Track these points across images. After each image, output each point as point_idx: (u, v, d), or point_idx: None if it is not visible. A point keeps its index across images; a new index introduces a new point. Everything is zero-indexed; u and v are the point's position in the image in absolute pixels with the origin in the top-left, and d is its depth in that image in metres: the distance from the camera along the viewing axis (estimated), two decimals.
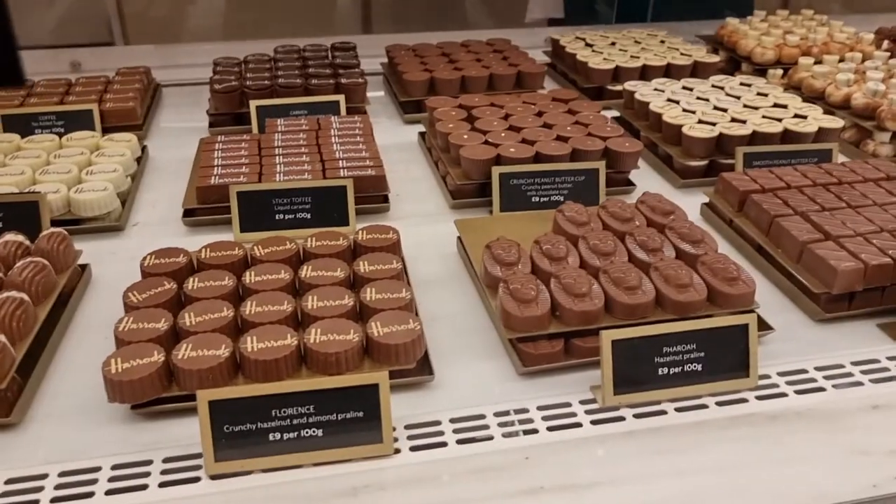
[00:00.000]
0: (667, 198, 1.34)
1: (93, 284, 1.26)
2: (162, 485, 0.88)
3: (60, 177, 1.42)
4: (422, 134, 1.80)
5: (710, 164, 1.61)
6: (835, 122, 1.64)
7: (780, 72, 2.06)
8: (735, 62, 2.25)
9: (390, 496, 0.87)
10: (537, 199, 1.45)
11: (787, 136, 1.61)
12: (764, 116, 1.65)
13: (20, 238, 1.18)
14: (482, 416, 0.98)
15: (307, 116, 1.72)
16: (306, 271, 1.13)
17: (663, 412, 0.99)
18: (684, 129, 1.59)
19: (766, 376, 1.06)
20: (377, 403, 0.90)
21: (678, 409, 1.00)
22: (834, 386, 1.04)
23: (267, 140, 1.58)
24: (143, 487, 0.87)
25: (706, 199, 1.49)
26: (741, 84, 1.85)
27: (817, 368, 1.08)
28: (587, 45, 2.20)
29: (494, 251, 1.17)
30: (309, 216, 1.37)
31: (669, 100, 1.76)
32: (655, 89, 1.83)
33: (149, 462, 0.91)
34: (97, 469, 0.90)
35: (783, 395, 1.03)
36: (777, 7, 2.46)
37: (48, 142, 1.58)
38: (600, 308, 1.07)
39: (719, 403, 1.01)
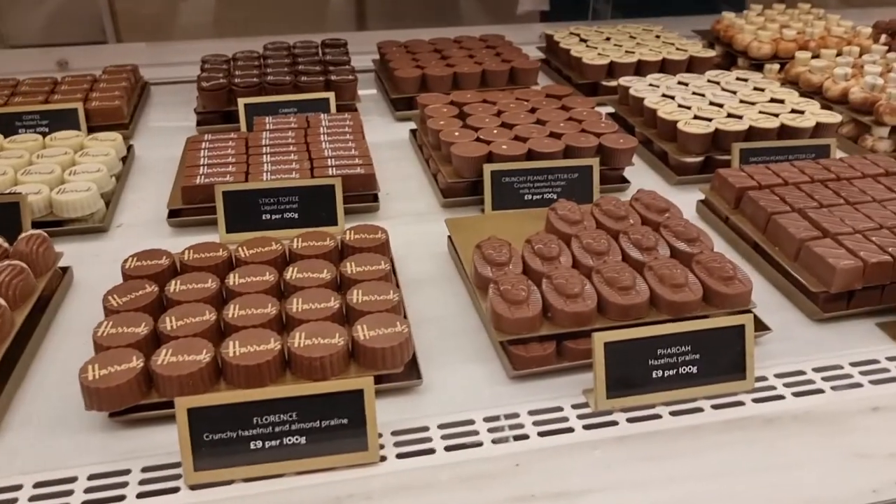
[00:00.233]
0: (662, 195, 1.31)
1: (74, 287, 1.23)
2: (140, 495, 0.85)
3: (43, 177, 1.39)
4: (413, 131, 1.78)
5: (706, 161, 1.58)
6: (832, 117, 1.61)
7: (776, 66, 2.04)
8: (731, 57, 2.22)
9: None
10: (530, 197, 1.42)
11: (784, 131, 1.58)
12: (760, 112, 1.62)
13: None
14: (471, 422, 0.96)
15: (296, 114, 1.70)
16: (292, 273, 1.10)
17: (657, 416, 0.97)
18: (679, 125, 1.56)
19: (763, 378, 1.03)
20: (362, 410, 0.87)
21: (673, 413, 0.97)
22: (832, 388, 1.02)
23: (254, 138, 1.55)
24: (121, 498, 0.85)
25: (702, 196, 1.46)
26: (737, 79, 1.82)
27: (815, 370, 1.05)
28: (581, 40, 2.17)
29: (485, 251, 1.15)
30: (297, 216, 1.34)
31: (665, 95, 1.73)
32: (650, 85, 1.80)
33: (127, 472, 0.88)
34: (73, 479, 0.87)
35: (780, 397, 1.00)
36: (774, 1, 2.42)
37: (31, 141, 1.55)
38: (593, 309, 1.04)
39: (715, 406, 0.98)
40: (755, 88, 1.76)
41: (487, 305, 1.06)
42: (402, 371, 0.99)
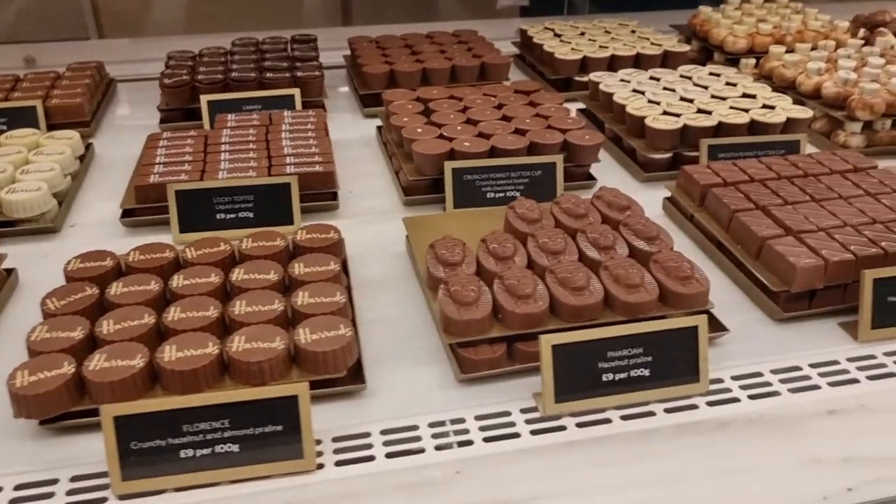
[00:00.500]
0: (628, 192, 1.28)
1: (19, 290, 1.20)
2: None
3: None
4: (380, 128, 1.75)
5: (675, 157, 1.55)
6: (804, 113, 1.58)
7: (752, 61, 2.01)
8: (708, 52, 2.19)
9: None
10: (493, 195, 1.40)
11: (755, 127, 1.55)
12: (731, 107, 1.60)
13: None
14: (415, 427, 0.93)
15: (260, 111, 1.67)
16: (237, 274, 1.07)
17: (608, 420, 0.94)
18: (647, 121, 1.53)
19: (720, 380, 1.01)
20: (297, 416, 0.84)
21: (624, 418, 0.94)
22: (790, 390, 0.99)
23: (215, 136, 1.52)
24: None
25: (669, 194, 1.43)
26: (710, 74, 1.80)
27: (773, 371, 1.03)
28: (556, 35, 2.14)
29: (438, 251, 1.12)
30: (252, 215, 1.31)
31: (635, 91, 1.70)
32: (622, 80, 1.77)
33: (54, 481, 0.85)
34: None
35: (736, 400, 0.97)
36: None
37: None
38: (544, 310, 1.01)
39: (668, 410, 0.96)
40: (728, 83, 1.73)
41: (436, 307, 1.03)
42: (347, 375, 0.96)
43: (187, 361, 0.90)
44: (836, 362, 1.04)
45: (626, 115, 1.61)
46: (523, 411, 0.95)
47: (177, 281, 1.06)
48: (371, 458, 0.88)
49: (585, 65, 1.96)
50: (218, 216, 1.31)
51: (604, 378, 0.94)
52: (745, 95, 1.67)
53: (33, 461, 0.88)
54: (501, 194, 1.40)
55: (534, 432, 0.92)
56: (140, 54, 2.25)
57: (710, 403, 0.97)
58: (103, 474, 0.85)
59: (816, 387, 1.00)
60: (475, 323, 0.99)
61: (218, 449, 0.84)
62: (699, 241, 1.32)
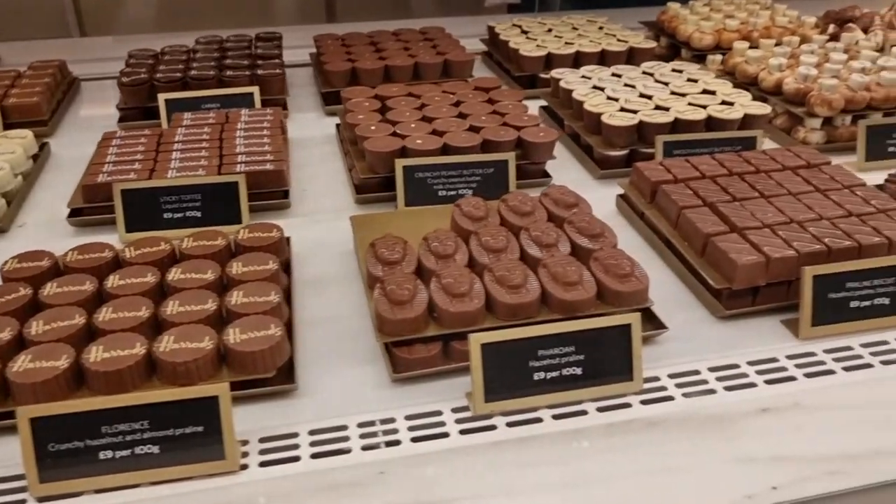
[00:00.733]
0: (583, 190, 1.28)
1: None
2: None
3: None
4: (339, 126, 1.74)
5: (631, 154, 1.54)
6: (762, 109, 1.58)
7: (719, 58, 2.00)
8: (676, 49, 2.18)
9: None
10: (444, 192, 1.39)
11: (712, 123, 1.55)
12: (690, 104, 1.59)
13: None
14: (344, 428, 0.92)
15: (218, 110, 1.66)
16: (174, 274, 1.07)
17: (539, 420, 0.93)
18: (603, 118, 1.53)
19: (656, 378, 1.00)
20: (217, 417, 0.83)
21: (555, 417, 0.94)
22: (725, 388, 0.99)
23: (168, 135, 1.51)
24: None
25: (622, 191, 1.43)
26: (673, 70, 1.79)
27: (711, 369, 1.02)
28: (523, 31, 2.13)
29: (378, 249, 1.11)
30: (199, 214, 1.30)
31: (595, 87, 1.69)
32: (583, 76, 1.76)
33: None
34: None
35: (670, 398, 0.97)
36: None
37: None
38: (479, 308, 1.00)
39: (600, 409, 0.95)
40: (689, 80, 1.73)
41: (371, 306, 1.03)
42: (277, 375, 0.95)
43: (112, 362, 0.90)
44: (774, 360, 1.04)
45: (583, 112, 1.60)
46: (455, 411, 0.95)
47: (112, 281, 1.05)
48: (296, 459, 0.88)
49: (550, 61, 1.95)
50: (165, 216, 1.30)
51: (535, 377, 0.94)
52: (704, 92, 1.66)
53: None
54: (454, 192, 1.39)
55: (463, 432, 0.91)
56: (111, 52, 2.23)
57: (644, 402, 0.96)
58: (20, 477, 0.84)
59: (752, 384, 0.99)
60: (409, 322, 0.99)
61: (138, 450, 0.83)
62: (649, 238, 1.32)
